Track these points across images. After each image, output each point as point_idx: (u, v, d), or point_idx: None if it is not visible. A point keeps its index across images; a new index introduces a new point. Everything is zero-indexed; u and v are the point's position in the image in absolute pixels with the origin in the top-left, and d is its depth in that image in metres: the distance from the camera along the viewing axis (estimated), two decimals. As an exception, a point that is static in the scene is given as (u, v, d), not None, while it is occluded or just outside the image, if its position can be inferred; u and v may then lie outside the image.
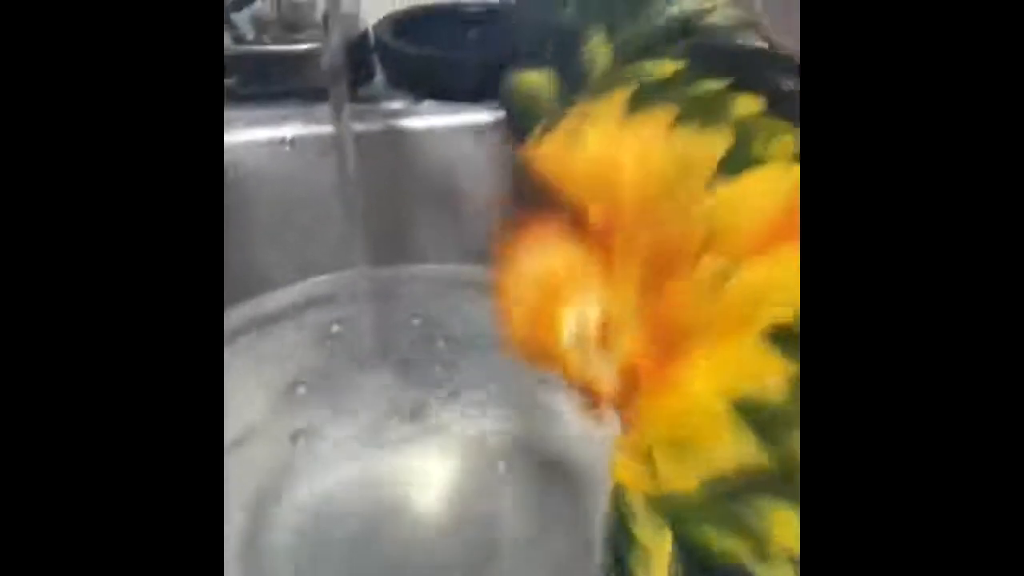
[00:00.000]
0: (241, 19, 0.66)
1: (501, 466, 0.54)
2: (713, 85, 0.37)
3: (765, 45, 0.40)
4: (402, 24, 0.67)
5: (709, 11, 0.41)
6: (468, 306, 0.56)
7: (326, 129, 0.61)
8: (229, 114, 0.62)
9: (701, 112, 0.36)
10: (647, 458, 0.31)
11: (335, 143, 0.54)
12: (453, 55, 0.65)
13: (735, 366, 0.31)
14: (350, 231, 0.55)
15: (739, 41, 0.41)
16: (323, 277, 0.58)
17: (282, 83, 0.64)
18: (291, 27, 0.64)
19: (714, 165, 0.34)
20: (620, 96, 0.37)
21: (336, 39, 0.49)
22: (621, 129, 0.37)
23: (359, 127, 0.61)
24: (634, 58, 0.39)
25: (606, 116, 0.37)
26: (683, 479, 0.30)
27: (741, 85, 0.37)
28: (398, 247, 0.64)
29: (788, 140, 0.35)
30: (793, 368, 0.30)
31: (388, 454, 0.55)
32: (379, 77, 0.67)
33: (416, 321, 0.58)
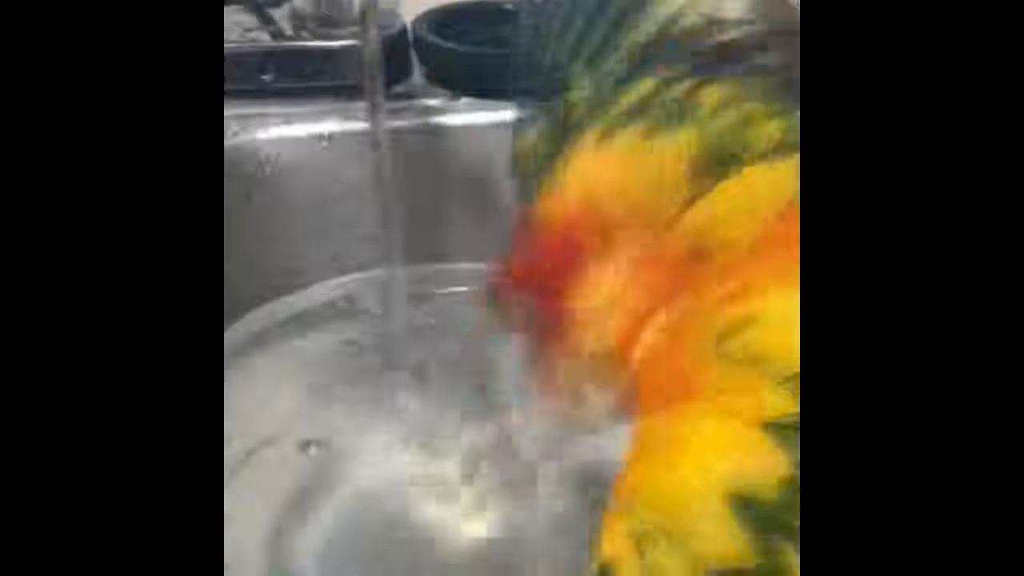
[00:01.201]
0: (279, 15, 0.66)
1: (529, 470, 0.54)
2: (679, 88, 0.37)
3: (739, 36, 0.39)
4: (440, 20, 0.67)
5: (683, 16, 0.40)
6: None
7: (363, 125, 0.60)
8: (266, 109, 0.62)
9: (665, 119, 0.36)
10: (638, 542, 0.30)
11: (372, 139, 0.53)
12: (491, 51, 0.64)
13: (732, 452, 0.29)
14: (386, 228, 0.54)
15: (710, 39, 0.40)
16: (356, 275, 0.57)
17: (320, 79, 0.63)
18: (329, 23, 0.64)
19: (686, 174, 0.34)
20: (592, 132, 0.37)
21: (373, 34, 0.48)
22: (595, 161, 0.37)
23: (397, 123, 0.60)
24: (612, 90, 0.39)
25: (581, 155, 0.37)
26: (673, 572, 0.29)
27: (707, 78, 0.37)
28: (434, 245, 0.63)
29: (770, 126, 0.34)
30: (790, 464, 0.28)
31: (416, 456, 0.54)
32: (417, 73, 0.66)
33: (449, 318, 0.57)
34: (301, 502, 0.51)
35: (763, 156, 0.34)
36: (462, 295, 0.59)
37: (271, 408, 0.55)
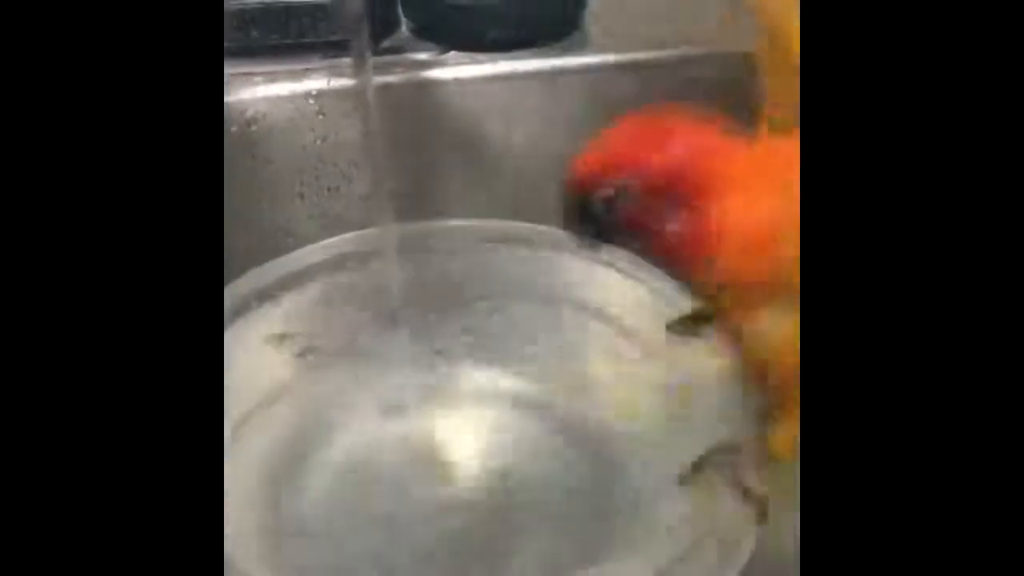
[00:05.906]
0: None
1: (526, 422, 0.54)
2: None
3: None
4: (427, -28, 0.66)
5: None
6: (495, 261, 0.55)
7: (351, 82, 0.59)
8: (252, 68, 0.61)
9: None
10: None
11: (358, 96, 0.53)
12: (480, 4, 0.63)
13: None
14: (375, 186, 0.54)
15: None
16: (348, 234, 0.57)
17: (305, 35, 0.62)
18: (313, -23, 0.63)
19: None
20: None
21: (356, -13, 0.47)
22: None
23: (384, 79, 0.60)
24: None
25: None
26: None
27: None
28: (425, 202, 0.62)
29: None
30: None
31: (414, 411, 0.54)
32: (404, 27, 0.65)
33: (443, 277, 0.57)
34: (295, 457, 0.51)
35: None
36: (453, 251, 0.59)
37: (263, 371, 0.55)
